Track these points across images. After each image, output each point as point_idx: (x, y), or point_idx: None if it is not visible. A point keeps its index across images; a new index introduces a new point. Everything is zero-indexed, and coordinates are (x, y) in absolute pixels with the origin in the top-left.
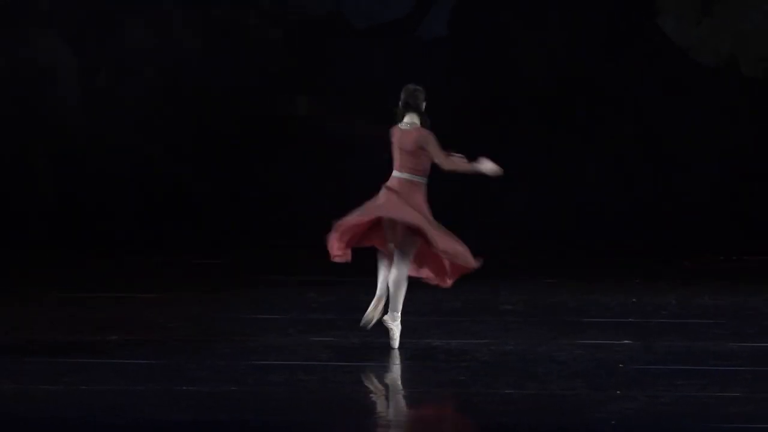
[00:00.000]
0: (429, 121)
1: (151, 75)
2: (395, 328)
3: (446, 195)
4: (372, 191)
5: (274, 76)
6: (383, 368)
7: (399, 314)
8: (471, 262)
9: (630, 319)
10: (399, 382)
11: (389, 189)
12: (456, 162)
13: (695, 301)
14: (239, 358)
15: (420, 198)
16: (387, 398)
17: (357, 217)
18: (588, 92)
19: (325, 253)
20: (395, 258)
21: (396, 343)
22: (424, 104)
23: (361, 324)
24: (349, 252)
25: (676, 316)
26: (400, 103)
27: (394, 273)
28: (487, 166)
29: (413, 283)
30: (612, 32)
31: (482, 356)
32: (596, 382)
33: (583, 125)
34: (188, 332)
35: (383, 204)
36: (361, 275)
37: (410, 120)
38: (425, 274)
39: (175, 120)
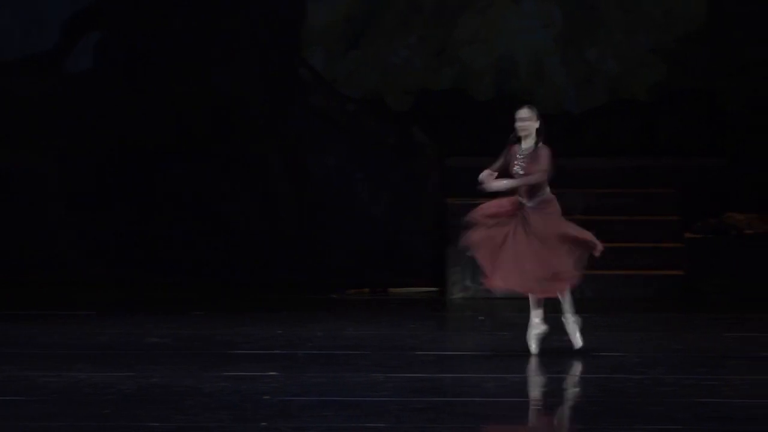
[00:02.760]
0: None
1: None
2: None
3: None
4: (33, 224)
5: None
6: (26, 403)
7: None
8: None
9: (276, 351)
10: (42, 416)
11: None
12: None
13: (341, 332)
14: None
15: None
16: None
17: None
18: (238, 124)
19: None
20: None
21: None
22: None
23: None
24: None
25: (322, 348)
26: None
27: None
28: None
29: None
30: (261, 64)
31: (127, 389)
32: (242, 414)
33: (233, 157)
34: None
35: None
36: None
37: None
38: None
39: None
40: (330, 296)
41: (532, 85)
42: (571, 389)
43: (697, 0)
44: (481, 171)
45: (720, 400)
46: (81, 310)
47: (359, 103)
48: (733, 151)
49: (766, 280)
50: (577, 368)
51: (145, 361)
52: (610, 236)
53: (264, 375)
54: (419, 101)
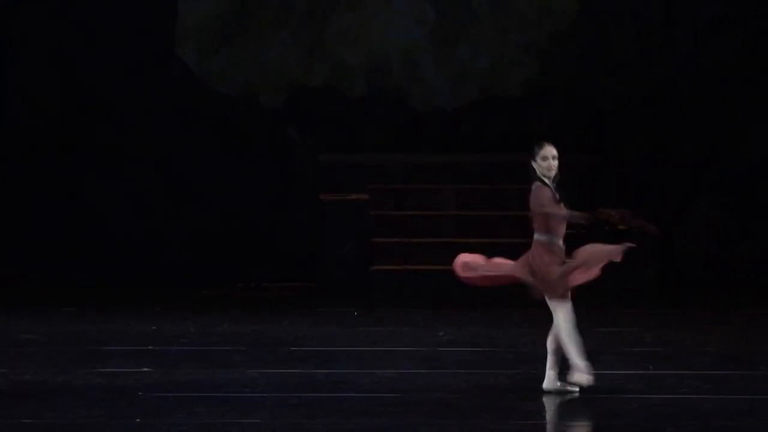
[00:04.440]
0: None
1: None
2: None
3: None
4: None
5: None
6: None
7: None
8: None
9: (150, 347)
10: None
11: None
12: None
13: (215, 329)
14: None
15: (541, 257)
16: None
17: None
18: (109, 121)
19: None
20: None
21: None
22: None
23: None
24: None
25: (196, 344)
26: None
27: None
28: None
29: None
30: (133, 61)
31: (0, 386)
32: (116, 411)
33: (104, 154)
34: None
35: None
36: None
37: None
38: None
39: None
40: (203, 292)
41: (405, 82)
42: (443, 385)
43: None
44: (354, 167)
45: (591, 395)
46: None
47: (232, 100)
48: (606, 147)
49: (638, 275)
50: (450, 364)
51: (17, 358)
52: (483, 231)
53: (138, 371)
54: (292, 98)
